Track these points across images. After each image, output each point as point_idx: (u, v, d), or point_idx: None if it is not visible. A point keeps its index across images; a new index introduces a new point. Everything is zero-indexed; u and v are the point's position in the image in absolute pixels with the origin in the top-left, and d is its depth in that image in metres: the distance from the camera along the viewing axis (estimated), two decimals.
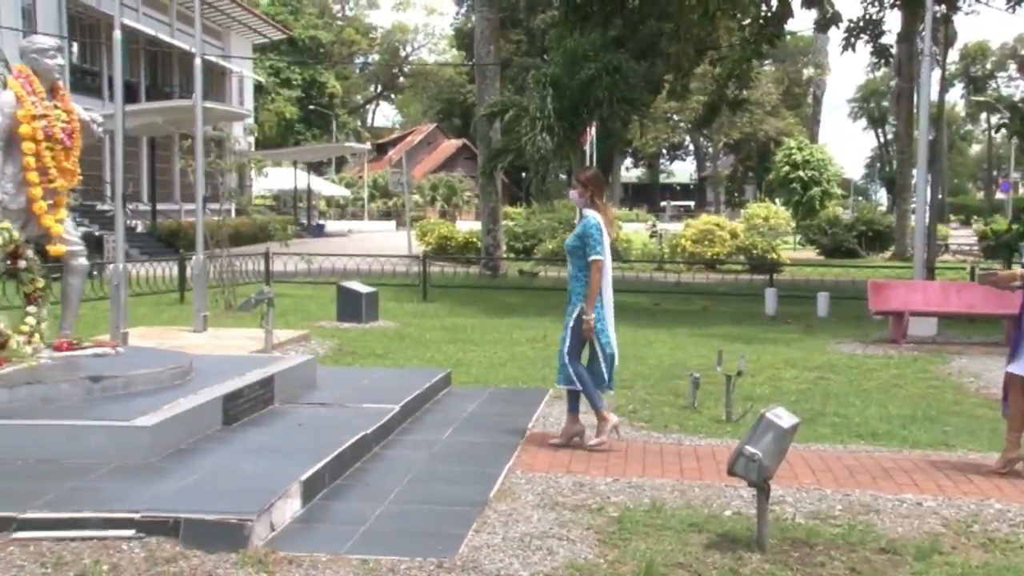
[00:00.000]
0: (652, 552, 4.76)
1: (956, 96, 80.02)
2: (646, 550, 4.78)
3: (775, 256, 26.44)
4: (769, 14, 21.12)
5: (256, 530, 4.59)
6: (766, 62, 55.66)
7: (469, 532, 4.94)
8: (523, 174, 17.10)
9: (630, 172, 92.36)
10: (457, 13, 73.92)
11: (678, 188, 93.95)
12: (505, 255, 26.65)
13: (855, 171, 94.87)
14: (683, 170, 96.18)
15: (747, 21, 22.96)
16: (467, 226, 34.95)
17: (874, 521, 5.40)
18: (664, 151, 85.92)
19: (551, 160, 16.79)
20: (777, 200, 48.91)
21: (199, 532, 4.52)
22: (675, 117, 69.15)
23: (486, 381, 9.67)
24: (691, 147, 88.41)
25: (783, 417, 5.00)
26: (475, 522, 5.10)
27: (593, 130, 18.48)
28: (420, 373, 9.16)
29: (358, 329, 13.64)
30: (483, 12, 25.62)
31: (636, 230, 39.23)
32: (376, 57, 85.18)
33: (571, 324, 6.79)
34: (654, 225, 42.83)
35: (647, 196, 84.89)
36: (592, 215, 6.82)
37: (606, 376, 6.87)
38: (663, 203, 79.65)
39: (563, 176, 34.69)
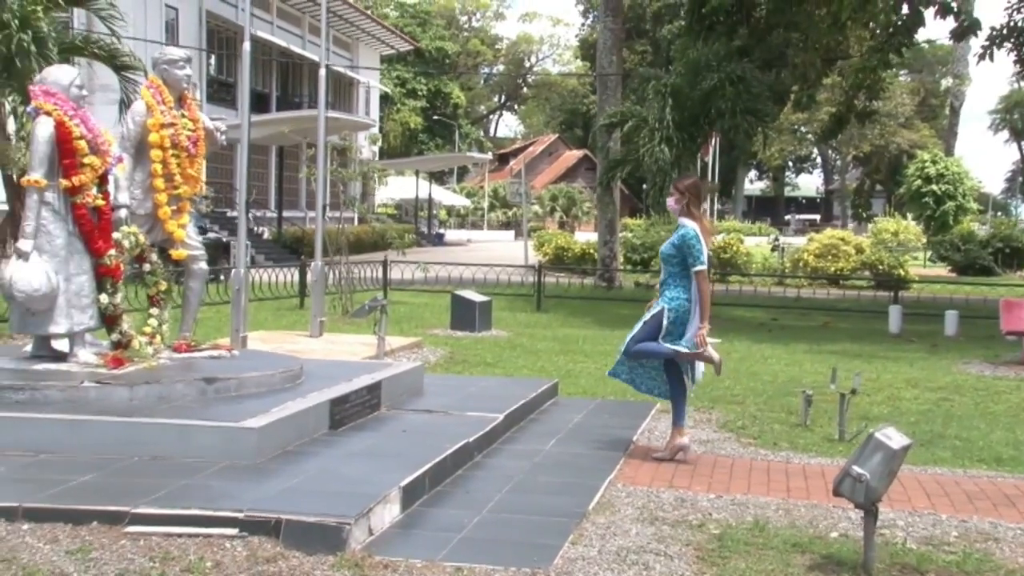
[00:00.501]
0: (752, 571, 4.64)
1: None
2: (746, 569, 4.67)
3: (902, 272, 25.55)
4: (899, 23, 20.40)
5: (354, 533, 4.66)
6: (901, 72, 53.99)
7: (565, 543, 4.91)
8: (643, 185, 16.91)
9: (754, 185, 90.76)
10: (582, 24, 74.13)
11: (803, 201, 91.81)
12: (622, 266, 26.49)
13: (995, 186, 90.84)
14: (809, 183, 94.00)
15: (878, 30, 22.24)
16: (585, 237, 34.90)
17: (992, 550, 5.14)
18: (790, 164, 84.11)
19: (669, 171, 16.56)
20: (908, 215, 47.29)
21: (299, 533, 4.61)
22: (802, 129, 67.59)
23: (594, 393, 9.61)
24: (818, 160, 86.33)
25: (893, 437, 4.81)
26: (572, 534, 5.07)
27: (716, 142, 18.20)
28: (527, 383, 9.17)
29: (470, 338, 13.75)
30: (607, 22, 25.60)
31: (758, 243, 38.49)
32: (501, 68, 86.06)
33: (647, 318, 6.80)
34: (776, 239, 41.96)
35: (771, 209, 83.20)
36: (689, 224, 6.74)
37: (690, 375, 6.84)
38: (787, 216, 77.92)
39: None
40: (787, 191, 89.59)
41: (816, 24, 20.33)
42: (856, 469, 4.74)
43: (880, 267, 25.90)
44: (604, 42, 25.52)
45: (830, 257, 26.55)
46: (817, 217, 78.42)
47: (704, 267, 6.65)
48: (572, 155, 74.73)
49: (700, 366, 6.93)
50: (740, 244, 28.66)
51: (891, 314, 16.39)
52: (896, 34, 19.66)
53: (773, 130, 23.63)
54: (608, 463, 6.59)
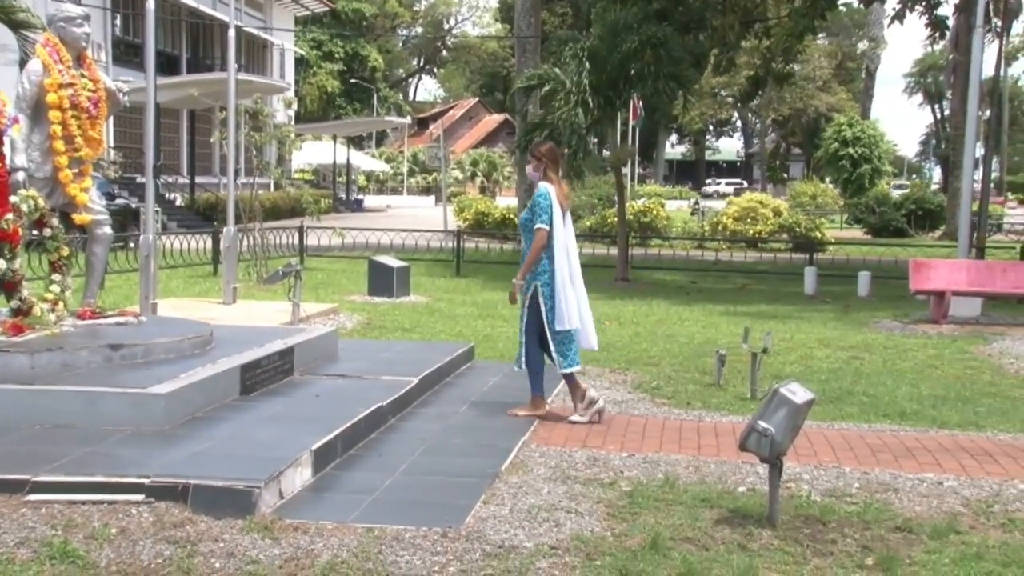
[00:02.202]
0: (660, 526, 4.78)
1: (1022, 70, 78.09)
2: (655, 524, 4.81)
3: (818, 235, 26.16)
4: None
5: (264, 497, 4.68)
6: (819, 36, 54.71)
7: (477, 503, 5.00)
8: (564, 151, 17.00)
9: (675, 149, 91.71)
10: None
11: (724, 165, 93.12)
12: None
13: (909, 148, 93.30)
14: (730, 147, 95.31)
15: None
16: (506, 202, 34.92)
17: (892, 500, 5.37)
18: (710, 127, 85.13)
19: (585, 135, 16.64)
20: (825, 178, 48.33)
21: (207, 498, 4.61)
22: (722, 92, 68.43)
23: (511, 356, 9.62)
24: (738, 123, 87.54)
25: (797, 392, 4.98)
26: (484, 494, 5.15)
27: (639, 105, 18.30)
28: (443, 347, 9.23)
29: (388, 303, 13.74)
30: None
31: (679, 207, 38.99)
32: (419, 30, 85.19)
33: (527, 303, 6.82)
34: (696, 203, 42.57)
35: (692, 173, 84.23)
36: (544, 186, 6.82)
37: (556, 354, 6.79)
38: (708, 180, 78.90)
39: (606, 152, 34.52)
40: (708, 155, 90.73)
41: None
42: (761, 424, 4.91)
43: (797, 230, 26.48)
44: (523, 4, 25.45)
45: (749, 220, 27.04)
46: (744, 182, 79.49)
47: (546, 228, 6.68)
48: (493, 119, 74.57)
49: (575, 346, 6.90)
50: (661, 208, 29.01)
51: (806, 276, 16.81)
52: None
53: (694, 94, 23.85)
54: (522, 425, 6.69)
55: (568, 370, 6.87)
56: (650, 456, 6.08)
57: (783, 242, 25.89)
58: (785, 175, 76.21)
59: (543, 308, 6.79)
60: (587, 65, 16.33)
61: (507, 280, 17.29)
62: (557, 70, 17.55)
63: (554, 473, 5.65)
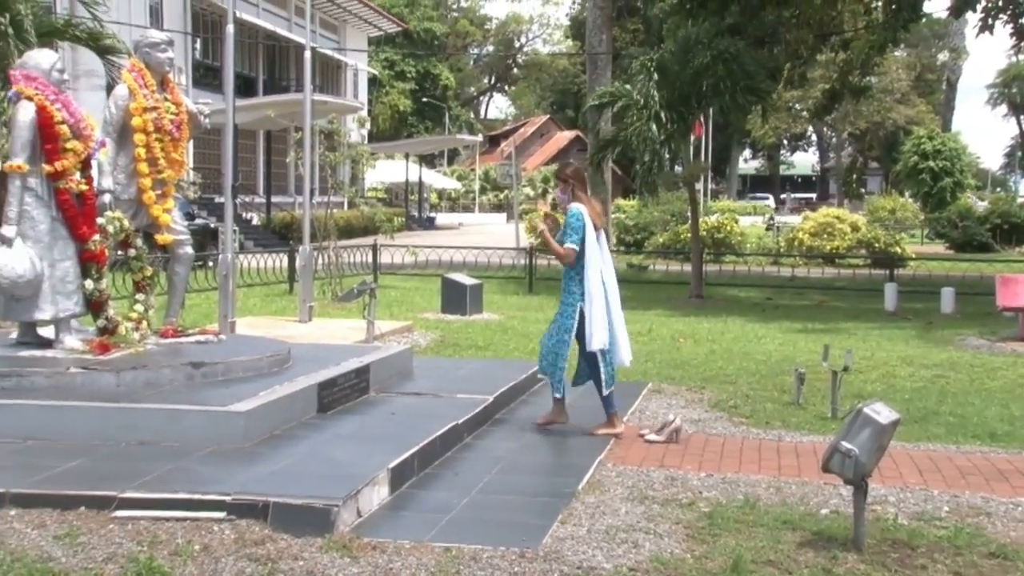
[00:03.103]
0: (741, 548, 4.70)
1: None
2: (736, 546, 4.73)
3: (898, 250, 25.64)
4: None
5: (342, 515, 4.71)
6: (897, 48, 53.71)
7: (554, 523, 4.97)
8: (635, 166, 16.97)
9: (748, 163, 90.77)
10: (573, 3, 73.85)
11: (799, 180, 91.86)
12: (615, 248, 26.52)
13: (993, 161, 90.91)
14: (805, 161, 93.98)
15: (875, 5, 22.23)
16: None
17: (984, 524, 5.21)
18: (784, 142, 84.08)
19: (658, 150, 16.57)
20: (905, 192, 47.34)
21: (287, 515, 4.66)
22: (796, 106, 67.55)
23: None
24: (813, 137, 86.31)
25: (882, 412, 4.87)
26: (561, 513, 5.12)
27: (710, 121, 18.18)
28: (517, 365, 9.22)
29: (461, 321, 13.79)
30: (596, 1, 25.55)
31: (753, 223, 38.55)
32: (490, 48, 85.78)
33: (574, 324, 6.80)
34: (771, 218, 42.01)
35: (766, 188, 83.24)
36: (576, 207, 6.79)
37: (591, 373, 6.85)
38: (783, 195, 77.93)
39: (678, 168, 34.22)
40: (782, 169, 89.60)
41: (809, 0, 20.33)
42: (845, 444, 4.80)
43: (876, 245, 25.99)
44: (594, 21, 25.47)
45: (825, 236, 26.62)
46: (814, 196, 78.35)
47: (574, 248, 6.69)
48: (564, 136, 74.58)
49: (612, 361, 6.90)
50: (735, 224, 28.72)
51: (887, 292, 16.47)
52: (901, 9, 19.64)
53: (771, 107, 23.61)
54: (598, 443, 6.65)
55: (610, 389, 6.88)
56: (729, 476, 5.99)
57: (861, 258, 25.42)
58: (863, 189, 74.81)
59: (588, 330, 6.78)
60: (656, 78, 16.26)
61: None
62: (629, 86, 17.51)
63: (631, 493, 5.59)
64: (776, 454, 6.60)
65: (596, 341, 6.73)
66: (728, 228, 27.83)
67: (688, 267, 19.62)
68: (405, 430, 6.26)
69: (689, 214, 19.84)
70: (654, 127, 16.14)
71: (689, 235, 20.43)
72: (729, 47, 16.56)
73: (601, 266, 6.83)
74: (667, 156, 19.91)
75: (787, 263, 24.32)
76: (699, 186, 28.38)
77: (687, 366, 10.15)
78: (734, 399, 8.52)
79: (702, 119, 31.85)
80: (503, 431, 6.97)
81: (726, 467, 6.22)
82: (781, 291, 19.49)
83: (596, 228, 6.82)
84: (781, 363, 10.39)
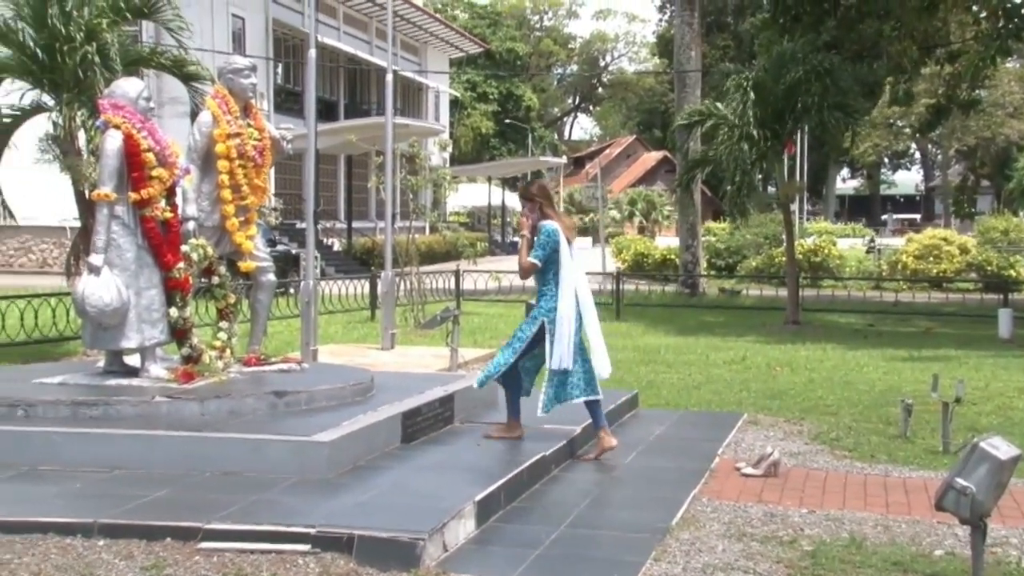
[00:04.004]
0: None
1: None
2: None
3: (1013, 273, 24.87)
4: (1010, 4, 19.83)
5: (428, 549, 4.73)
6: (1009, 59, 52.21)
7: (648, 560, 4.91)
8: (725, 187, 16.86)
9: (847, 183, 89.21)
10: (660, 19, 73.83)
11: (901, 200, 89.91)
12: (705, 272, 26.28)
13: None
14: (907, 180, 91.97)
15: (984, 14, 21.71)
16: (666, 242, 34.66)
17: None
18: (885, 160, 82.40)
19: (750, 171, 16.40)
20: (1019, 211, 45.94)
21: (372, 549, 4.70)
22: (898, 123, 66.19)
23: (677, 404, 9.58)
24: (917, 155, 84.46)
25: (1000, 447, 4.71)
26: (654, 550, 5.07)
27: (805, 138, 17.96)
28: (606, 394, 8.97)
29: None
30: (684, 17, 25.47)
31: (852, 245, 37.79)
32: (574, 68, 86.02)
33: (531, 332, 6.85)
34: (872, 240, 41.17)
35: (866, 209, 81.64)
36: (549, 224, 6.89)
37: (544, 394, 6.85)
38: (884, 216, 76.34)
39: (771, 189, 33.80)
40: (883, 189, 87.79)
41: (912, 10, 19.95)
42: (960, 481, 4.65)
43: (988, 268, 25.27)
44: (682, 37, 25.39)
45: (931, 259, 25.99)
46: (917, 216, 76.56)
47: (534, 262, 6.84)
48: (651, 157, 74.31)
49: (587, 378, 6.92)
50: (832, 246, 28.23)
51: (1001, 318, 15.97)
52: (1012, 18, 19.15)
53: (865, 125, 23.20)
54: (692, 476, 6.57)
55: (542, 414, 6.91)
56: (832, 513, 5.86)
57: (971, 282, 24.73)
58: (972, 209, 72.80)
59: (547, 345, 6.80)
60: (752, 97, 16.12)
61: (670, 323, 17.28)
62: (720, 105, 17.39)
63: (728, 529, 5.51)
64: (883, 490, 6.44)
65: (555, 359, 6.77)
66: (826, 251, 27.36)
67: (783, 292, 19.33)
68: (491, 461, 6.27)
69: (784, 236, 19.57)
70: (745, 146, 15.98)
71: (784, 258, 20.12)
72: (824, 61, 16.34)
73: (576, 282, 6.90)
74: (759, 176, 19.71)
75: (890, 287, 23.78)
76: (794, 207, 27.97)
77: (784, 396, 9.99)
78: (836, 431, 8.34)
79: (796, 137, 31.49)
80: (591, 463, 6.93)
81: (829, 503, 6.09)
82: (884, 317, 19.06)
83: (569, 242, 6.97)
84: (886, 393, 10.15)
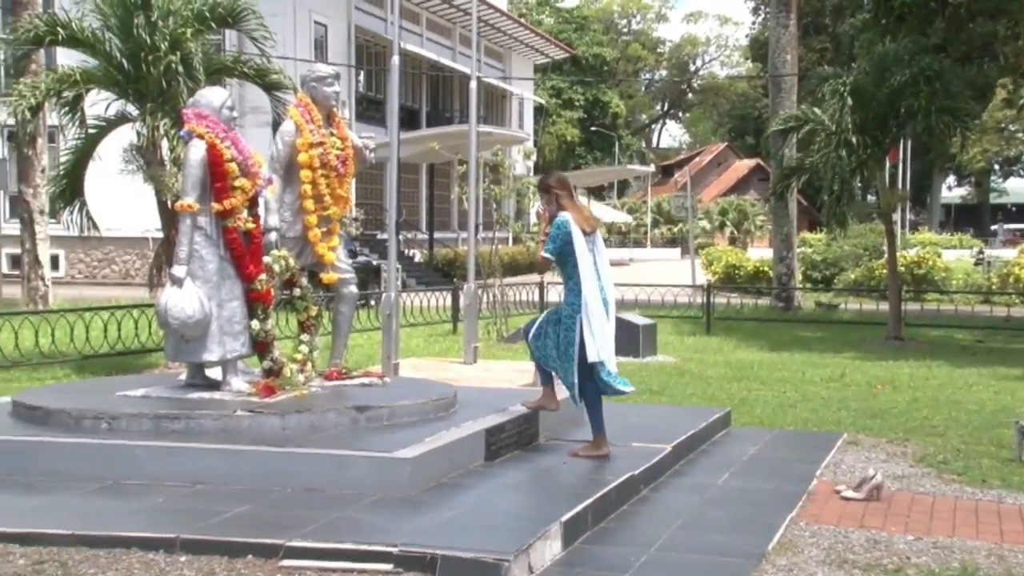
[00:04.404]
0: None
1: None
2: None
3: None
4: None
5: (513, 571, 4.72)
6: None
7: None
8: (822, 196, 16.62)
9: (953, 192, 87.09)
10: (753, 22, 73.03)
11: (1012, 209, 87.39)
12: (801, 285, 25.87)
13: None
14: (1020, 188, 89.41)
15: None
16: (759, 254, 34.24)
17: None
18: (995, 167, 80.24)
19: (849, 179, 16.12)
20: None
21: (455, 569, 4.71)
22: (1010, 127, 64.43)
23: (771, 423, 9.44)
24: None
25: None
26: None
27: (907, 146, 17.58)
28: (696, 412, 9.09)
29: (634, 363, 13.67)
30: (780, 19, 25.17)
31: (959, 257, 36.88)
32: (663, 73, 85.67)
33: (563, 335, 6.88)
34: (980, 251, 40.10)
35: (974, 218, 79.58)
36: (562, 216, 6.91)
37: (565, 378, 6.90)
38: (994, 226, 74.26)
39: (871, 198, 33.17)
40: (993, 198, 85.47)
41: None
42: None
43: None
44: (777, 40, 25.09)
45: None
46: None
47: (546, 256, 6.92)
48: (743, 164, 73.62)
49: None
50: (937, 258, 27.58)
51: None
52: None
53: (975, 130, 22.61)
54: (788, 499, 6.46)
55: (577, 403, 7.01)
56: (941, 541, 5.70)
57: None
58: None
59: (579, 338, 6.82)
60: (850, 102, 15.84)
61: (763, 339, 17.06)
62: (817, 110, 17.14)
63: (828, 556, 5.39)
64: (996, 517, 6.24)
65: (591, 352, 6.79)
66: (930, 263, 26.73)
67: (884, 306, 18.91)
68: (577, 480, 6.25)
69: (885, 248, 19.16)
70: (844, 153, 15.70)
71: (884, 271, 19.70)
72: (931, 64, 15.99)
73: (598, 273, 6.93)
74: (859, 185, 19.36)
75: (1001, 302, 23.10)
76: (896, 217, 27.37)
77: (886, 415, 9.77)
78: (943, 453, 8.12)
79: (899, 144, 30.84)
80: (683, 484, 6.87)
81: (937, 530, 5.92)
82: (994, 333, 18.52)
83: (588, 233, 6.96)
84: (997, 414, 9.86)
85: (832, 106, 16.11)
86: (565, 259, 6.90)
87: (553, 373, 7.12)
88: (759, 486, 6.82)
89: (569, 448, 7.14)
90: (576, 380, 6.93)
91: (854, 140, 15.85)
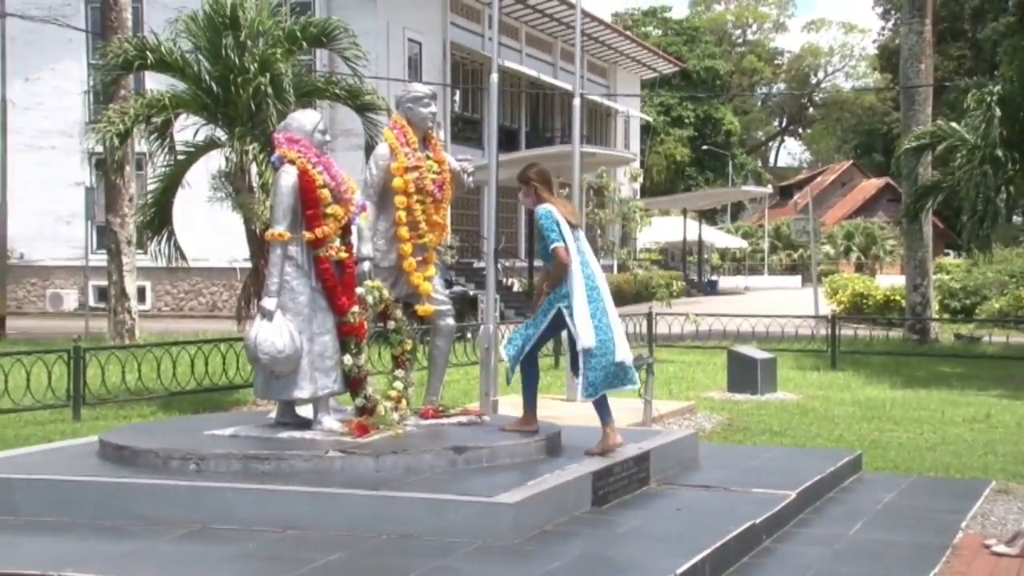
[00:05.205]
0: None
1: None
2: None
3: None
4: None
5: None
6: None
7: None
8: (961, 217, 16.22)
9: None
10: (882, 28, 71.88)
11: None
12: (937, 315, 25.22)
13: None
14: None
15: None
16: (889, 281, 33.57)
17: None
18: None
19: (993, 199, 15.71)
20: None
21: None
22: None
23: (908, 467, 9.20)
24: None
25: None
26: None
27: None
28: (823, 454, 8.92)
29: (752, 401, 13.52)
30: (912, 25, 24.73)
31: None
32: (782, 86, 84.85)
33: (545, 323, 7.12)
34: None
35: None
36: (544, 207, 7.11)
37: (582, 378, 6.97)
38: None
39: (1016, 218, 32.23)
40: None
41: None
42: None
43: None
44: (910, 48, 24.62)
45: None
46: None
47: (560, 244, 6.97)
48: (870, 184, 72.41)
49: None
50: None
51: None
52: None
53: None
54: (930, 554, 6.26)
55: (590, 398, 7.06)
56: None
57: None
58: None
59: (572, 330, 6.99)
60: (997, 114, 15.44)
61: (896, 374, 16.68)
62: (955, 124, 16.78)
63: None
64: None
65: (583, 339, 6.91)
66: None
67: None
68: (693, 529, 6.15)
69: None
70: (989, 170, 15.31)
71: None
72: None
73: (585, 262, 7.09)
74: (1004, 205, 18.85)
75: None
76: None
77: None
78: None
79: None
80: (809, 535, 6.71)
81: None
82: None
83: (573, 227, 7.17)
84: None
85: (976, 118, 15.75)
86: (541, 239, 7.13)
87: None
88: (896, 539, 6.63)
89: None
90: (518, 349, 7.20)
91: (1000, 155, 15.46)
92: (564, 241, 7.02)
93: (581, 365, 7.00)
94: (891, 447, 10.24)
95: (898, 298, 27.34)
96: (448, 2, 34.10)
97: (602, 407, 7.14)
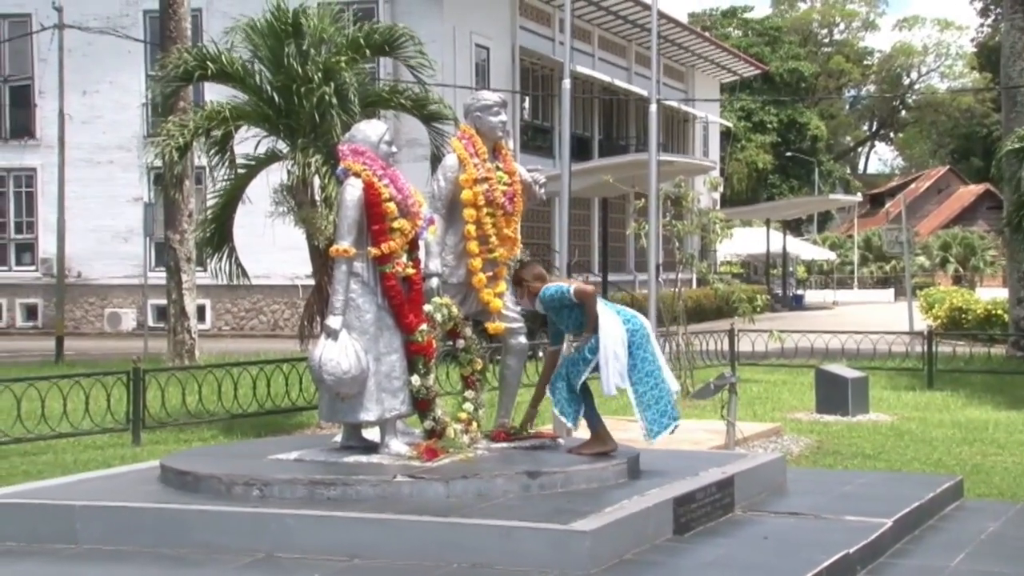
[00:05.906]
0: None
1: None
2: None
3: None
4: None
5: None
6: None
7: None
8: None
9: None
10: (981, 25, 71.00)
11: None
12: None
13: None
14: None
15: None
16: (990, 294, 33.00)
17: None
18: None
19: None
20: None
21: None
22: None
23: (1014, 495, 9.05)
24: None
25: None
26: None
27: None
28: (920, 480, 8.81)
29: (842, 423, 13.39)
30: (1014, 20, 24.38)
31: None
32: (871, 88, 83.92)
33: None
34: None
35: None
36: (547, 287, 7.51)
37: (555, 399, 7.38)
38: None
39: None
40: None
41: None
42: None
43: None
44: (1012, 45, 24.26)
45: None
46: None
47: (575, 286, 7.51)
48: (969, 191, 71.35)
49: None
50: None
51: None
52: None
53: None
54: None
55: (653, 440, 7.51)
56: None
57: None
58: None
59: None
60: None
61: (999, 394, 16.39)
62: None
63: None
64: None
65: (608, 385, 7.29)
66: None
67: None
68: (782, 559, 6.11)
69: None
70: None
71: None
72: None
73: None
74: None
75: None
76: None
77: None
78: None
79: None
80: (907, 566, 6.62)
81: None
82: None
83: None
84: None
85: None
86: (562, 313, 7.52)
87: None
88: (1003, 571, 6.54)
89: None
90: (566, 401, 7.48)
91: None
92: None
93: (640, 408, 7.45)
94: (995, 472, 10.08)
95: (1000, 312, 26.89)
96: (517, 5, 34.17)
97: (592, 416, 7.49)
